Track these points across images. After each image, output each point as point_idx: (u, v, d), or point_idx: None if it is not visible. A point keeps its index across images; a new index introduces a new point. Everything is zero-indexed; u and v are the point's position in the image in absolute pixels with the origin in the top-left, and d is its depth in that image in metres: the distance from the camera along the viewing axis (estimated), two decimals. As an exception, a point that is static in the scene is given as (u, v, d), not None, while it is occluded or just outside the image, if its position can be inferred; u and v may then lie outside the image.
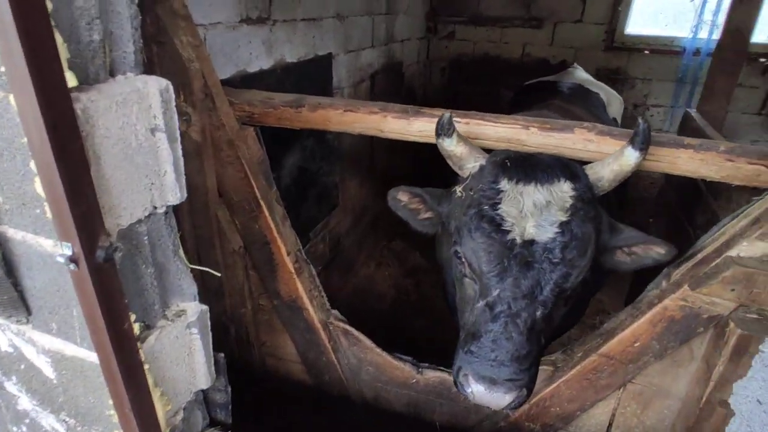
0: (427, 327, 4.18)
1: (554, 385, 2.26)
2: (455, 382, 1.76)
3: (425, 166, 6.27)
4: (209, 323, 1.42)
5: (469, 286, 1.84)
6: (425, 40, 6.16)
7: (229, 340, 2.65)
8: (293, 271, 2.41)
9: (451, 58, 6.35)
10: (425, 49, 6.24)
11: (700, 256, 1.97)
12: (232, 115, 2.14)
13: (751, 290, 1.81)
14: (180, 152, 1.19)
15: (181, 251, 1.29)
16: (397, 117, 2.09)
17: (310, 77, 3.46)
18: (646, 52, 5.79)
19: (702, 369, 2.07)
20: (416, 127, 2.08)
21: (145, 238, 1.18)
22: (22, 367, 1.38)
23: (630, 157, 1.72)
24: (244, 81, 2.67)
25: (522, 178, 1.75)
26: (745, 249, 1.83)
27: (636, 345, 2.08)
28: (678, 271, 2.02)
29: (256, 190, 2.24)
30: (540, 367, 1.95)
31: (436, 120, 2.06)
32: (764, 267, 1.78)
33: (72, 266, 0.98)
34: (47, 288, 1.17)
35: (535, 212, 1.68)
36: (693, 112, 3.80)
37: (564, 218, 1.67)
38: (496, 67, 6.28)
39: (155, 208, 1.19)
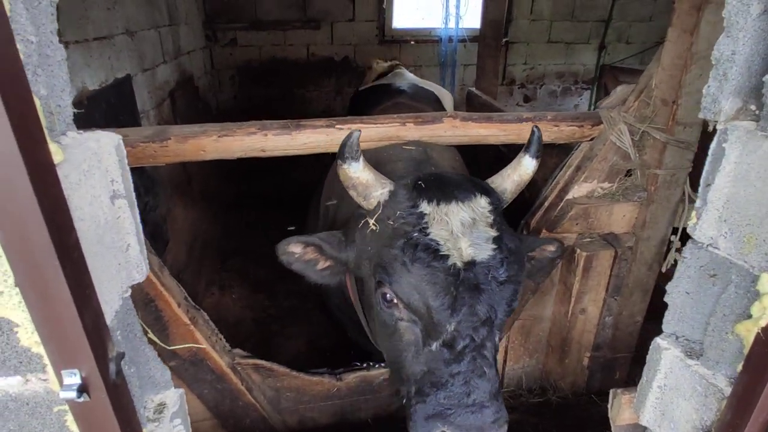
0: (300, 332, 4.12)
1: (463, 343, 2.54)
2: None
3: (241, 179, 6.08)
4: (186, 405, 1.20)
5: (407, 331, 1.56)
6: (207, 49, 5.82)
7: None
8: (189, 322, 2.13)
9: (239, 65, 6.16)
10: (209, 59, 5.90)
11: (546, 203, 2.47)
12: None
13: (587, 221, 2.37)
14: (139, 218, 0.98)
15: (150, 334, 1.07)
16: (278, 134, 2.02)
17: (117, 104, 2.99)
18: (412, 42, 6.60)
19: (561, 290, 2.61)
20: (300, 140, 2.06)
21: (118, 333, 0.94)
22: None
23: (528, 166, 1.76)
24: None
25: (441, 198, 1.57)
26: (577, 191, 2.38)
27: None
28: (534, 219, 2.49)
29: (128, 245, 1.89)
30: None
31: (319, 131, 2.08)
32: (592, 201, 2.35)
33: (82, 397, 0.74)
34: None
35: (465, 231, 1.52)
36: (474, 90, 4.56)
37: (494, 233, 1.54)
38: (285, 69, 6.34)
39: (123, 292, 0.96)
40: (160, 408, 1.10)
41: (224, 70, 6.15)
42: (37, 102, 0.65)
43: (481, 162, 3.65)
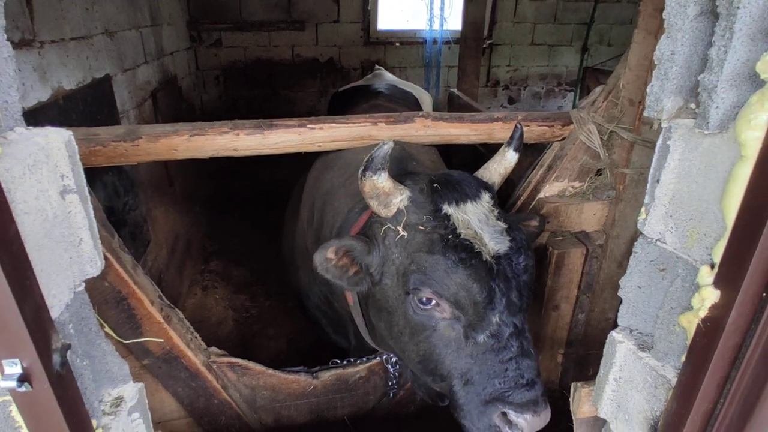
0: (281, 332, 4.14)
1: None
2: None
3: (219, 179, 6.07)
4: (146, 400, 1.21)
5: (447, 329, 1.63)
6: (192, 50, 5.81)
7: None
8: (162, 320, 2.14)
9: (224, 66, 6.15)
10: (194, 60, 5.90)
11: (519, 203, 2.51)
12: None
13: (559, 219, 2.41)
14: (92, 213, 0.99)
15: (106, 328, 1.08)
16: (250, 133, 2.04)
17: (95, 104, 2.98)
18: (397, 44, 6.64)
19: (534, 288, 2.65)
20: (272, 140, 2.07)
21: (70, 326, 0.96)
22: None
23: (512, 159, 1.89)
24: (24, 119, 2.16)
25: (458, 198, 1.66)
26: (548, 190, 2.42)
27: (492, 285, 2.53)
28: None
29: (99, 243, 1.89)
30: None
31: (291, 130, 2.09)
32: (563, 200, 2.39)
33: (23, 388, 0.75)
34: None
35: (483, 227, 1.62)
36: (455, 91, 4.60)
37: (505, 225, 1.65)
38: (270, 69, 6.35)
39: (76, 286, 0.97)
40: (117, 402, 1.11)
41: (209, 71, 6.15)
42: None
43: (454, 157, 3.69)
